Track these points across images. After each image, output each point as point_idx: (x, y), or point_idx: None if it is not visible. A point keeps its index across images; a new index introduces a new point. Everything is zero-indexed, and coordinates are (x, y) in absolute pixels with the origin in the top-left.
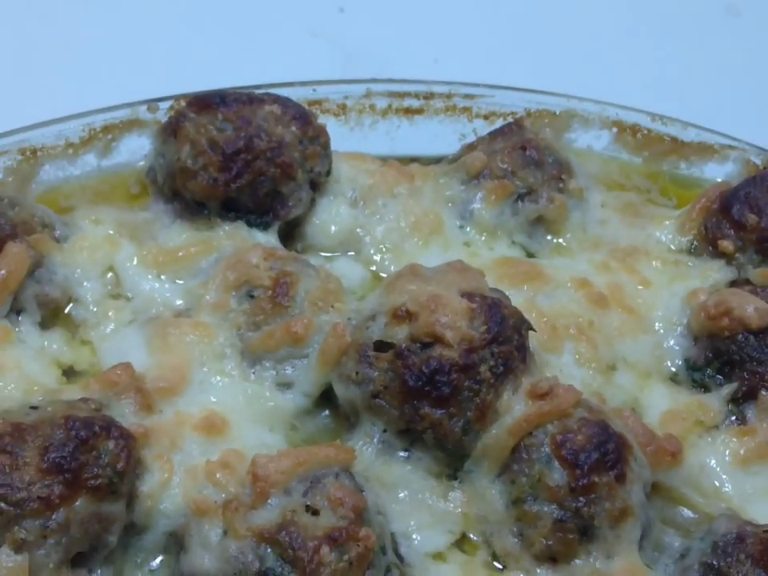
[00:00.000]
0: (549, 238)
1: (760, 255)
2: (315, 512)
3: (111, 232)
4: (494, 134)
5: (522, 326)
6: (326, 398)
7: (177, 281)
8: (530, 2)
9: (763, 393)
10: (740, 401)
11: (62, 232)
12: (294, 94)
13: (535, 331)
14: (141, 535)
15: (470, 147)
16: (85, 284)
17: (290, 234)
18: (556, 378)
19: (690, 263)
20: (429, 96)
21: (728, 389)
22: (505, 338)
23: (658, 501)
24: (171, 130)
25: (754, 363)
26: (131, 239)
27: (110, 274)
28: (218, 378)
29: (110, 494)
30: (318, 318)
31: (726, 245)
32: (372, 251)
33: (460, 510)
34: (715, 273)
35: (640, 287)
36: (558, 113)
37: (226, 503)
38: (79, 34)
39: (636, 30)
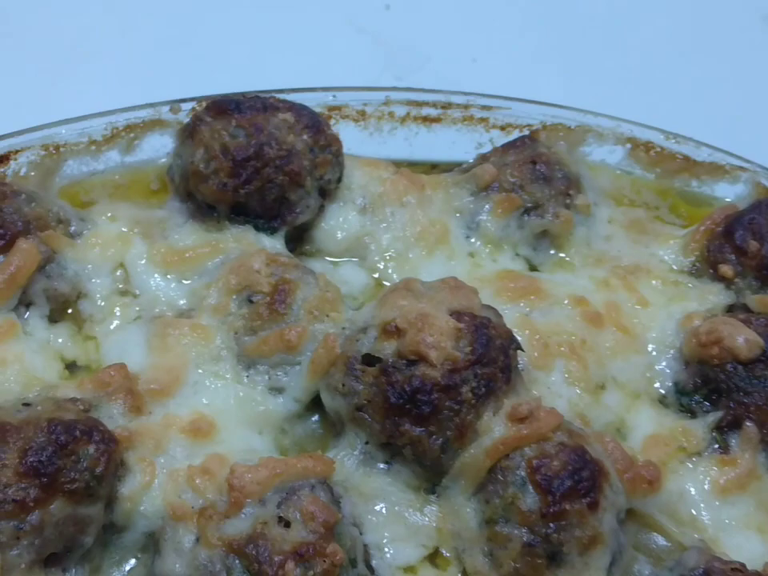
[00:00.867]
0: (553, 252)
1: (759, 282)
2: (287, 524)
3: (125, 229)
4: (506, 147)
5: (510, 345)
6: (316, 402)
7: (183, 281)
8: (568, 13)
9: (748, 424)
10: (724, 429)
11: (77, 227)
12: (315, 98)
13: (523, 351)
14: (120, 534)
15: (484, 158)
16: (94, 280)
17: (300, 237)
18: (539, 399)
19: (690, 284)
20: (446, 106)
21: (713, 417)
22: (489, 359)
23: (632, 526)
24: (189, 133)
25: (741, 393)
26: (143, 237)
27: (119, 271)
28: (212, 380)
29: (87, 498)
30: (312, 326)
31: (726, 269)
32: (377, 258)
33: (435, 524)
34: (714, 296)
35: (638, 307)
36: (572, 127)
37: (202, 510)
38: (108, 32)
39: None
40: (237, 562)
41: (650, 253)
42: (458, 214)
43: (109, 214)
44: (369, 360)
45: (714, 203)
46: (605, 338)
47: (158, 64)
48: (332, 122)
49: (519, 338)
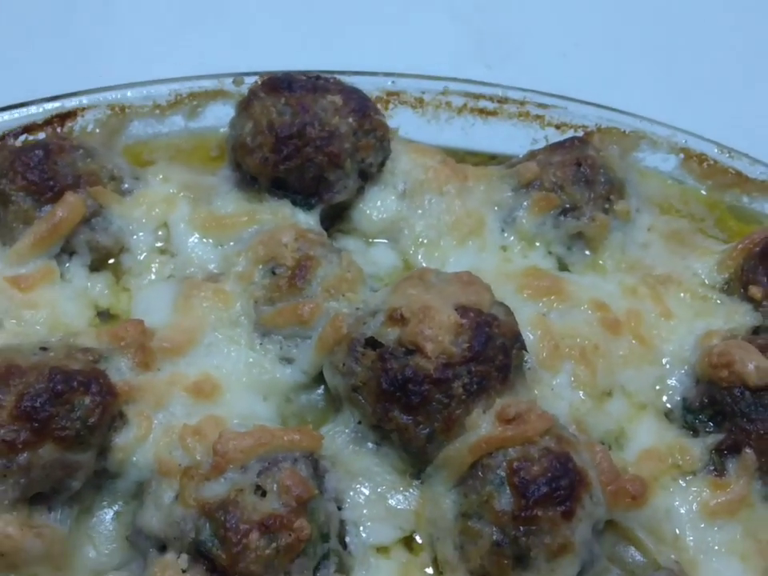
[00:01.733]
0: (587, 253)
1: None
2: (264, 493)
3: (173, 191)
4: (555, 146)
5: (513, 345)
6: (322, 376)
7: (218, 246)
8: (664, 18)
9: (747, 450)
10: (723, 453)
11: (129, 185)
12: (375, 82)
13: (527, 351)
14: (114, 480)
15: (533, 154)
16: (137, 236)
17: (338, 216)
18: (534, 402)
19: (718, 301)
20: (503, 100)
21: (714, 438)
22: (485, 357)
23: (611, 537)
24: (243, 106)
25: (744, 420)
26: (190, 200)
27: (161, 231)
28: (227, 344)
29: (78, 445)
30: (327, 303)
31: (755, 291)
32: (409, 243)
33: (414, 509)
34: (740, 316)
35: (661, 318)
36: (627, 132)
37: (186, 469)
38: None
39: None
40: (207, 524)
41: (685, 265)
42: (496, 208)
43: (161, 176)
44: (372, 343)
45: (763, 221)
46: (619, 346)
47: (246, 36)
48: (390, 106)
49: (530, 337)
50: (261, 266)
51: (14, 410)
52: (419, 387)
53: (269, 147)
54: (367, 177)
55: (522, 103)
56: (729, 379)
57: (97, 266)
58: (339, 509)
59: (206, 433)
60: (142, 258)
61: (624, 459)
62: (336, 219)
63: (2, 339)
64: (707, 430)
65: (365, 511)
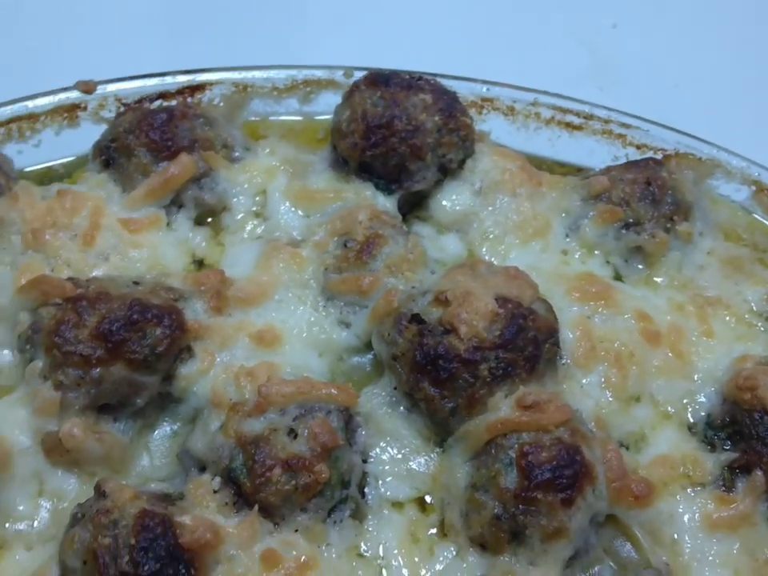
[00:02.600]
0: (642, 267)
1: None
2: (295, 436)
3: (275, 163)
4: (631, 164)
5: (547, 340)
6: None
7: (305, 216)
8: None
9: (758, 472)
10: (735, 470)
11: (240, 154)
12: (470, 88)
13: (559, 348)
14: (176, 404)
15: (609, 169)
16: (237, 198)
17: (418, 203)
18: (558, 394)
19: (762, 329)
20: (589, 117)
21: (728, 456)
22: (515, 346)
23: (611, 530)
24: (347, 96)
25: (760, 443)
26: (288, 173)
27: (259, 197)
28: (295, 302)
29: (145, 368)
30: (387, 279)
31: None
32: (476, 236)
33: (432, 473)
34: None
35: (703, 337)
36: (702, 159)
37: (233, 405)
38: None
39: None
40: (240, 455)
41: (737, 290)
42: (563, 214)
43: (268, 150)
44: (417, 319)
45: None
46: (656, 356)
47: (365, 32)
48: (484, 111)
49: (570, 336)
50: (336, 238)
51: (94, 330)
52: (449, 364)
53: (359, 134)
54: (447, 171)
55: (607, 121)
56: (751, 402)
57: (200, 220)
58: (364, 461)
59: (258, 375)
60: (239, 218)
61: (638, 461)
62: (415, 206)
63: (105, 270)
64: (724, 447)
65: (387, 468)
